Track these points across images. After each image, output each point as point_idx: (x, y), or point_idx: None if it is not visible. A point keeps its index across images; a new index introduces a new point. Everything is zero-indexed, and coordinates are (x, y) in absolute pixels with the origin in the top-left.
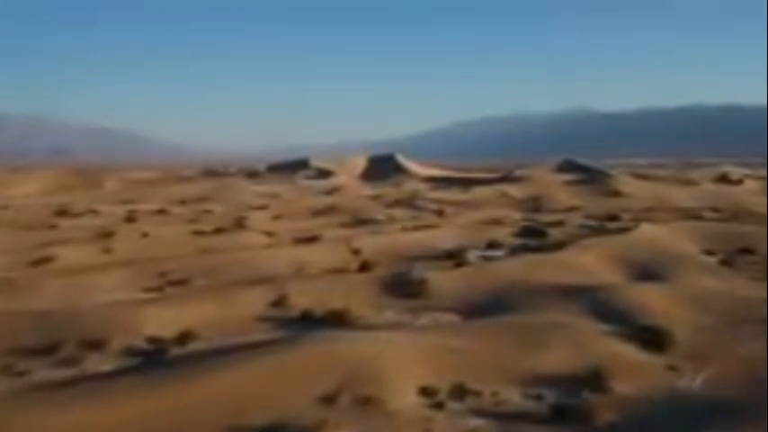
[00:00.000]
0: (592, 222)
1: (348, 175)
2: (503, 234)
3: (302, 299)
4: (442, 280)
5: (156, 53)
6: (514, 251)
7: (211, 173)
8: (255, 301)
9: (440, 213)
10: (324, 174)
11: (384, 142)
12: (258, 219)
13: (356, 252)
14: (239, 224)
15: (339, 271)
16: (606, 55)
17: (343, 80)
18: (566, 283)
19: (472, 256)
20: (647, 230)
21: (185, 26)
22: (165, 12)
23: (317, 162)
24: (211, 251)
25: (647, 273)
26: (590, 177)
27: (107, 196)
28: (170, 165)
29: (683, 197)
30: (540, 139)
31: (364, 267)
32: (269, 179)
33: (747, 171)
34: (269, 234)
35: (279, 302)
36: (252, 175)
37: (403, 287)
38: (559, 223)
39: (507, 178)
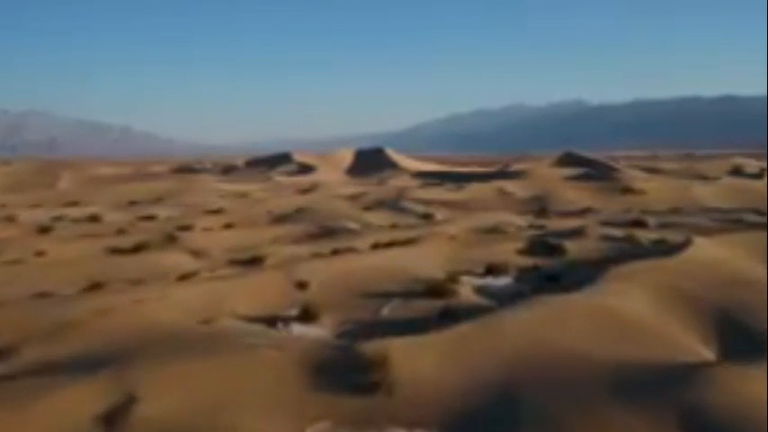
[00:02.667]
0: (616, 232)
1: (332, 169)
2: (506, 250)
3: (166, 398)
4: (415, 357)
5: (152, 50)
6: (524, 279)
7: (184, 169)
8: (78, 406)
9: (427, 218)
10: (305, 169)
11: (384, 135)
12: (204, 228)
13: (302, 285)
14: (171, 238)
15: (268, 321)
16: (601, 46)
17: (341, 74)
18: (616, 357)
19: (465, 289)
20: (702, 249)
21: (188, 22)
22: (168, 7)
23: (299, 156)
24: (102, 287)
25: (735, 329)
26: (595, 172)
27: (53, 196)
28: (160, 159)
29: (707, 195)
30: (535, 131)
31: (306, 315)
32: (244, 175)
33: (761, 163)
34: (198, 254)
35: (118, 412)
36: (227, 170)
37: (352, 372)
38: (576, 233)
39: (504, 173)
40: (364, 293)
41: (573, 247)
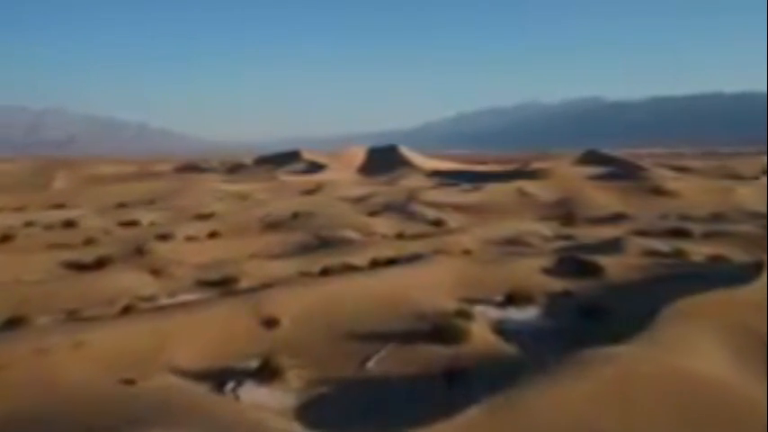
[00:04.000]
0: (658, 244)
1: (343, 168)
2: (529, 269)
3: None
4: None
5: (169, 46)
6: (554, 310)
7: (190, 167)
8: None
9: (439, 224)
10: (315, 168)
11: (392, 133)
12: (186, 236)
13: (270, 323)
14: (139, 251)
15: (216, 377)
16: (618, 42)
17: (346, 70)
18: None
19: (480, 327)
20: None
21: (204, 17)
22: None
23: (308, 154)
24: (22, 322)
25: None
26: (621, 171)
27: (42, 198)
28: (168, 157)
29: (751, 197)
30: (549, 129)
31: (266, 370)
32: (250, 174)
33: None
34: (162, 273)
35: None
36: (234, 169)
37: None
38: (612, 246)
39: (524, 172)
40: (350, 334)
41: (610, 265)
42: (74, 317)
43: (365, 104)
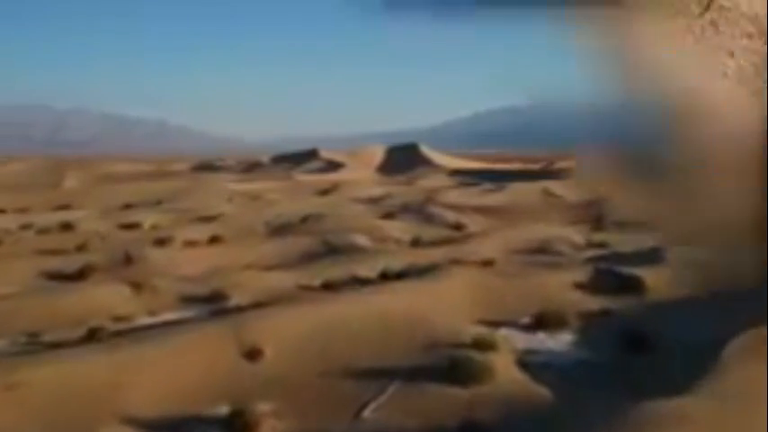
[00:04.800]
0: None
1: (362, 167)
2: (561, 284)
3: None
4: None
5: (191, 47)
6: (591, 337)
7: (205, 166)
8: None
9: (459, 228)
10: (333, 167)
11: (409, 132)
12: (185, 240)
13: (252, 354)
14: (128, 259)
15: (172, 427)
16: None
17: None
18: None
19: (504, 358)
20: None
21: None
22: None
23: (326, 153)
24: None
25: None
26: None
27: (49, 198)
28: (184, 156)
29: None
30: (567, 128)
31: (237, 421)
32: (266, 173)
33: None
34: (146, 287)
35: None
36: (250, 168)
37: None
38: (650, 256)
39: (549, 171)
40: (346, 369)
41: (652, 279)
42: (33, 341)
43: (380, 102)
